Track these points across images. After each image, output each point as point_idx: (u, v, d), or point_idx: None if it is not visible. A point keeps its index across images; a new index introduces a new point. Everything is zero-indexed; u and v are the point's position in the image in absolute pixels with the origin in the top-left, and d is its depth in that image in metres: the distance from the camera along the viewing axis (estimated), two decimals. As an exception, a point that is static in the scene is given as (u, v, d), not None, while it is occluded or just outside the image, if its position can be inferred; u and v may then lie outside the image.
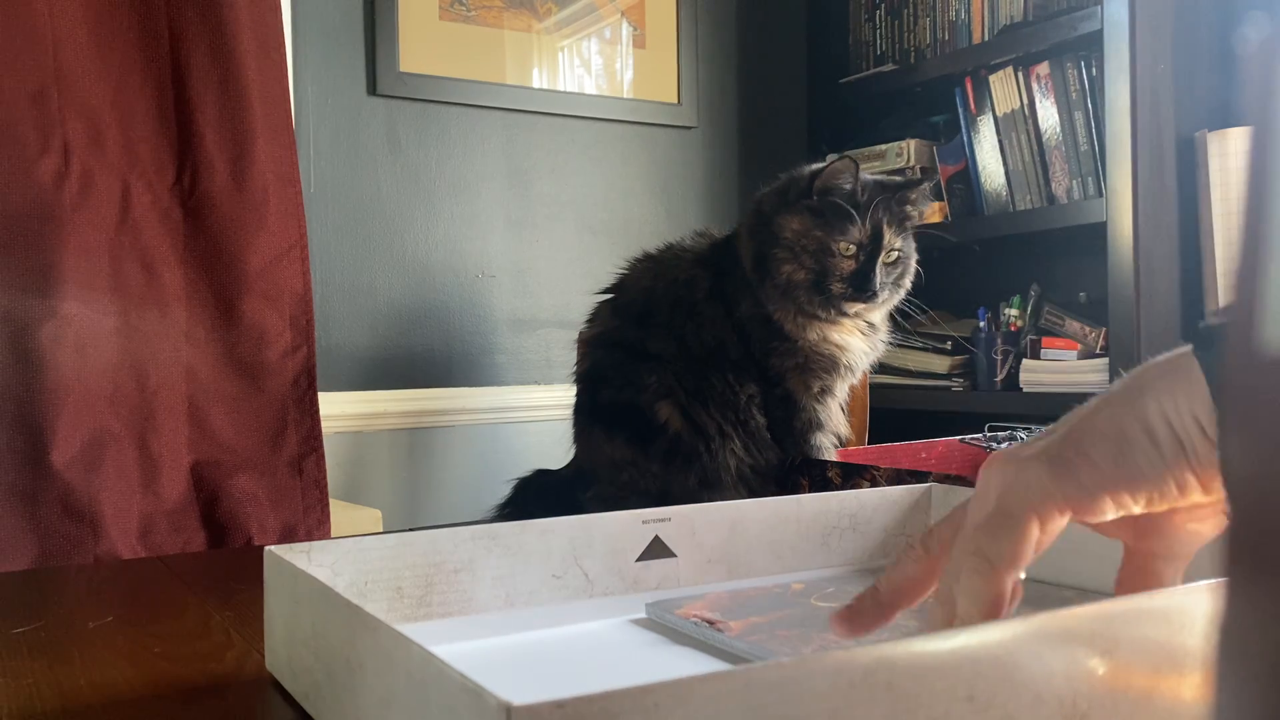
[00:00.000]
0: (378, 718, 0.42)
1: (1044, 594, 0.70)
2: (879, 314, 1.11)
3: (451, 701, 0.35)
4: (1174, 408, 0.41)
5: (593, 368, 1.11)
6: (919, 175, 2.27)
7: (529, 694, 0.32)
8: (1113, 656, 0.41)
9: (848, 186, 1.06)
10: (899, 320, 1.17)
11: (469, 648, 0.59)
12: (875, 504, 0.76)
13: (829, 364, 1.07)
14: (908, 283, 1.12)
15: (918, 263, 1.14)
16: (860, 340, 1.10)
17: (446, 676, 0.35)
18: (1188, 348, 0.42)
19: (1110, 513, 0.43)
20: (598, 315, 1.15)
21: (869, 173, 1.14)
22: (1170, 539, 0.46)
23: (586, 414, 1.11)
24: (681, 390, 1.05)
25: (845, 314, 1.06)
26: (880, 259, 1.06)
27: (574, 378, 1.17)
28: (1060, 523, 0.43)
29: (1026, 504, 0.43)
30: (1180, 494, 0.42)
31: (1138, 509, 0.43)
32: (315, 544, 0.58)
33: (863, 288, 1.05)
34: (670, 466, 1.04)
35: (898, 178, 1.12)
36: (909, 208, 1.09)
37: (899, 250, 1.08)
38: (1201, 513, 0.45)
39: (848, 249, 1.05)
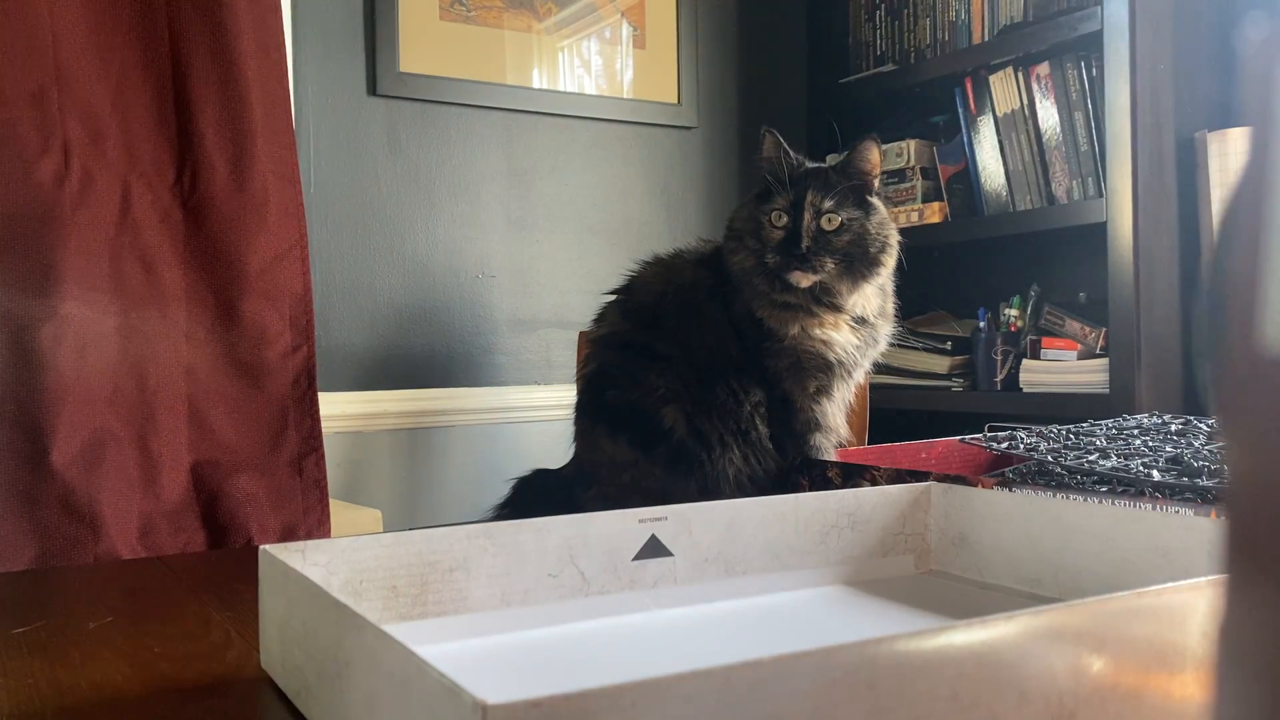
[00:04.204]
0: (364, 716, 0.42)
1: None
2: (855, 299, 1.06)
3: (431, 700, 0.35)
4: None
5: (600, 368, 1.11)
6: (915, 168, 2.27)
7: (517, 694, 0.32)
8: (1100, 654, 0.41)
9: (774, 157, 1.07)
10: (900, 319, 1.15)
11: (463, 647, 0.59)
12: (874, 503, 0.76)
13: (820, 362, 1.06)
14: (884, 259, 1.07)
15: (902, 248, 1.10)
16: (849, 335, 1.07)
17: (426, 675, 0.35)
18: None
19: None
20: (606, 316, 1.15)
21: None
22: None
23: (590, 413, 1.11)
24: (688, 396, 1.05)
25: (789, 285, 1.03)
26: (806, 221, 1.03)
27: (579, 376, 1.16)
28: None
29: None
30: None
31: None
32: (310, 543, 0.58)
33: (789, 251, 1.03)
34: (672, 471, 1.04)
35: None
36: (848, 171, 1.06)
37: (839, 215, 1.04)
38: None
39: (778, 218, 1.05)
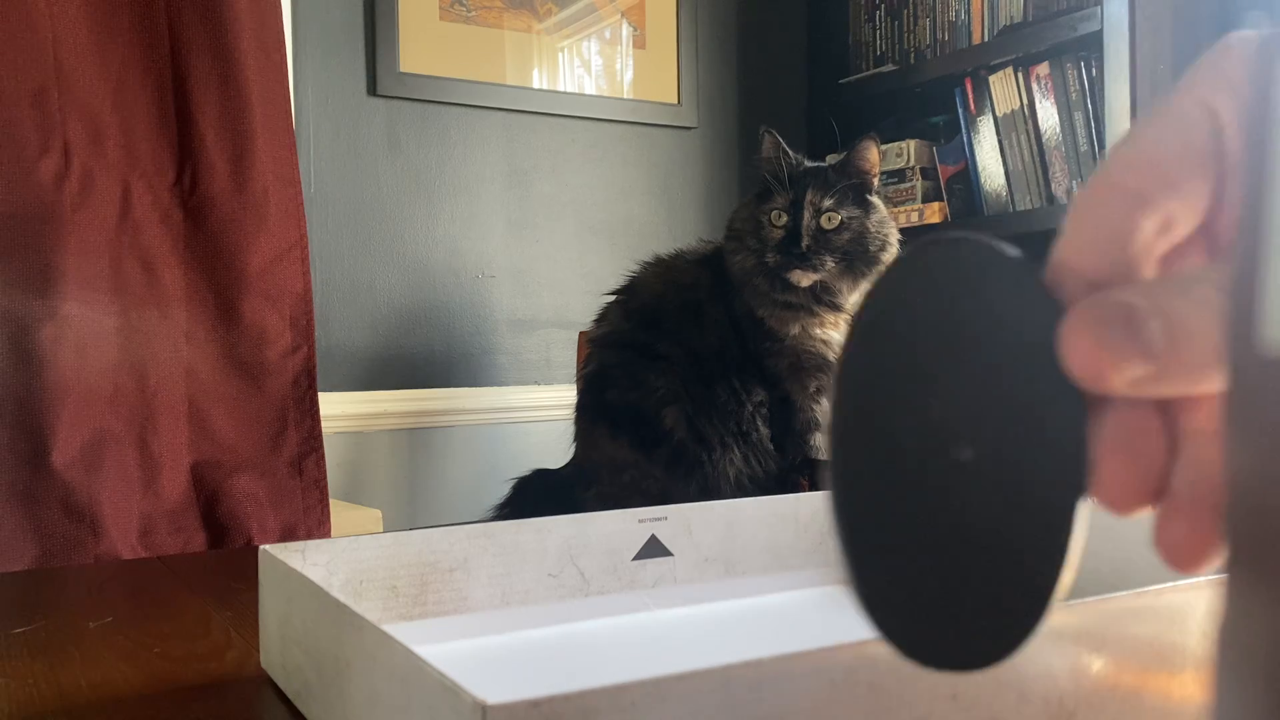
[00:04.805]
0: (365, 715, 0.42)
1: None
2: (856, 298, 1.07)
3: (431, 700, 0.35)
4: None
5: (600, 368, 1.11)
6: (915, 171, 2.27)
7: (517, 694, 0.32)
8: (1100, 654, 0.41)
9: (773, 157, 1.07)
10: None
11: (463, 647, 0.59)
12: (875, 504, 0.76)
13: (820, 362, 1.07)
14: (885, 258, 1.06)
15: (903, 247, 1.10)
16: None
17: (426, 675, 0.35)
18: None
19: None
20: (607, 316, 1.15)
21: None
22: None
23: (591, 412, 1.11)
24: (688, 397, 1.05)
25: (790, 284, 1.04)
26: (806, 220, 1.03)
27: (579, 376, 1.17)
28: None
29: None
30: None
31: None
32: (310, 543, 0.58)
33: (790, 250, 1.03)
34: (673, 472, 1.04)
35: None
36: (847, 170, 1.06)
37: (839, 214, 1.04)
38: None
39: (778, 218, 1.05)
